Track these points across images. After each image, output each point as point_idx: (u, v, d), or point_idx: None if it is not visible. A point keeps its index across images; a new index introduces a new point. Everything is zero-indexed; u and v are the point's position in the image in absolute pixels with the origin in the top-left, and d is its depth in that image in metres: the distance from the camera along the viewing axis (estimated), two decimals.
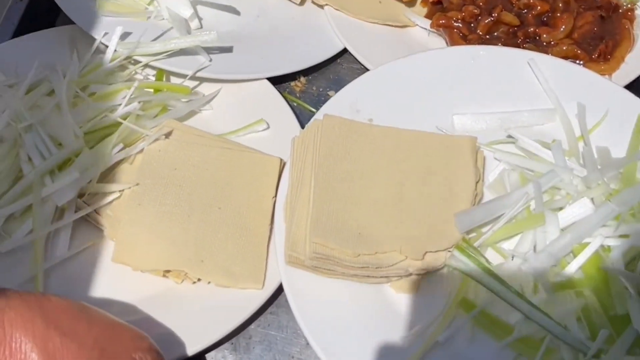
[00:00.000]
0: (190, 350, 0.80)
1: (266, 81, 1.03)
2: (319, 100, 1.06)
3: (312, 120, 0.93)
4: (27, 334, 0.64)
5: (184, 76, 1.00)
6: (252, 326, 0.85)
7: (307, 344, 0.82)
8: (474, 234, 0.85)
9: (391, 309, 0.83)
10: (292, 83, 1.08)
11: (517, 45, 1.04)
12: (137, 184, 0.88)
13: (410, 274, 0.82)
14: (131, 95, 0.94)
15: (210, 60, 1.02)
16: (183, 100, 0.99)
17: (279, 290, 0.85)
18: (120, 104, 0.94)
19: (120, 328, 0.71)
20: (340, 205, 0.84)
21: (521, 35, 1.04)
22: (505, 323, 0.80)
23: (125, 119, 0.93)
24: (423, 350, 0.79)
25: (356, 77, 1.05)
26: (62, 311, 0.67)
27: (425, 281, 0.84)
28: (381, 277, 0.83)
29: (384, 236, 0.83)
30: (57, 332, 0.65)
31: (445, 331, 0.80)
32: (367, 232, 0.83)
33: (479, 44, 1.05)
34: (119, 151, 0.91)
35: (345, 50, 1.10)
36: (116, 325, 0.71)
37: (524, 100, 0.97)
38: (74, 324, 0.67)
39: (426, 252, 0.82)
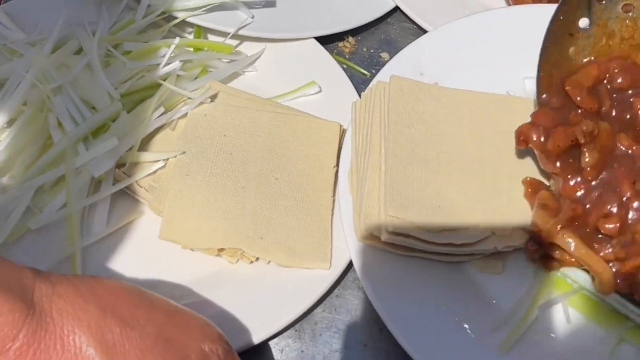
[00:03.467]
0: (255, 339, 0.70)
1: (314, 41, 0.94)
2: (371, 63, 0.97)
3: (373, 82, 0.84)
4: (80, 324, 0.54)
5: (224, 34, 0.91)
6: (318, 310, 0.76)
7: (381, 329, 0.74)
8: None
9: (475, 289, 0.74)
10: (341, 44, 0.99)
11: None
12: (184, 152, 0.78)
13: (496, 251, 0.73)
14: (171, 53, 0.84)
15: (253, 17, 0.93)
16: (225, 60, 0.90)
17: (345, 270, 0.76)
18: (158, 64, 0.84)
19: (185, 315, 0.61)
20: (416, 174, 0.75)
21: None
22: (608, 306, 0.71)
23: (165, 79, 0.83)
24: (514, 334, 0.70)
25: (409, 38, 0.98)
26: (118, 296, 0.58)
27: (511, 258, 0.75)
28: (464, 255, 0.74)
29: (467, 209, 0.74)
30: (115, 320, 0.56)
31: (538, 313, 0.72)
32: (448, 205, 0.74)
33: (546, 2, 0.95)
34: (160, 115, 0.81)
35: (395, 9, 1.01)
36: (180, 312, 0.61)
37: None
38: (133, 310, 0.58)
39: (514, 227, 0.73)
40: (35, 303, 0.53)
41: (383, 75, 0.85)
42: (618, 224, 0.71)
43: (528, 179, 0.77)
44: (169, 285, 0.74)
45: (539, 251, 0.72)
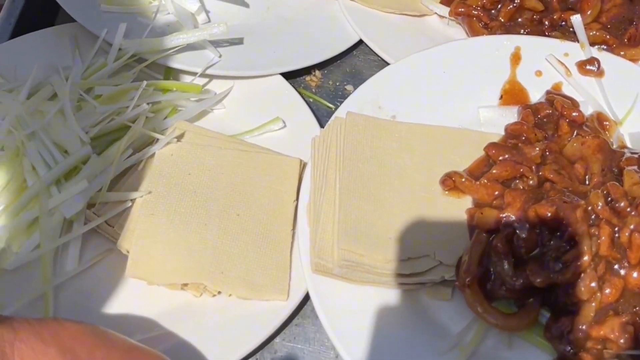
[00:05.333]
0: None
1: (280, 77, 0.98)
2: (336, 95, 1.01)
3: (332, 118, 0.88)
4: None
5: (193, 74, 0.95)
6: (277, 340, 0.80)
7: (337, 357, 0.77)
8: None
9: (425, 315, 0.78)
10: (307, 77, 1.03)
11: (542, 33, 0.98)
12: (150, 192, 0.82)
13: (445, 280, 0.77)
14: (139, 96, 0.88)
15: (220, 56, 0.97)
16: (193, 99, 0.94)
17: (304, 300, 0.80)
18: (127, 106, 0.88)
19: (139, 352, 0.66)
20: (368, 208, 0.79)
21: (547, 21, 0.98)
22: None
23: (133, 121, 0.87)
24: (463, 358, 0.74)
25: (373, 70, 1.01)
26: (77, 338, 0.62)
27: None
28: (414, 283, 0.77)
29: (416, 240, 0.78)
30: None
31: (483, 339, 0.76)
32: (398, 236, 0.78)
33: (501, 32, 0.99)
34: (128, 157, 0.86)
35: (361, 42, 1.05)
36: (135, 349, 0.66)
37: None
38: (92, 350, 0.62)
39: (461, 257, 0.77)
40: None
41: (342, 110, 0.88)
42: None
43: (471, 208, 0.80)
44: (136, 318, 0.78)
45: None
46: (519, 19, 0.99)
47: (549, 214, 0.75)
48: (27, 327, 0.60)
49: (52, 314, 0.77)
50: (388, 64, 0.99)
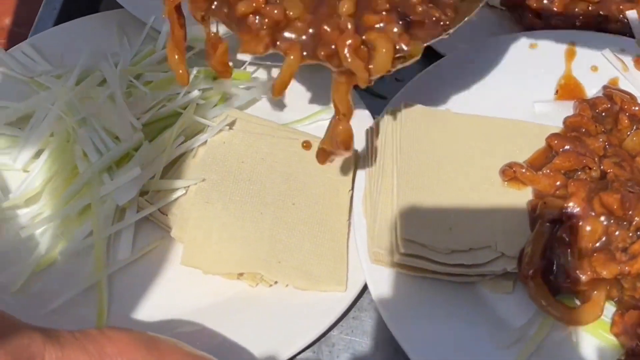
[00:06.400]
0: None
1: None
2: (386, 85, 0.98)
3: (386, 108, 0.86)
4: None
5: (242, 62, 0.93)
6: (334, 332, 0.78)
7: (396, 350, 0.75)
8: None
9: (486, 309, 0.76)
10: None
11: (598, 25, 0.96)
12: (203, 180, 0.81)
13: (506, 272, 0.75)
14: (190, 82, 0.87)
15: None
16: (242, 87, 0.92)
17: (361, 291, 0.78)
18: (178, 93, 0.87)
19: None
20: (427, 198, 0.78)
21: (602, 13, 0.96)
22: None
23: (184, 108, 0.86)
24: (526, 353, 0.72)
25: (422, 59, 0.99)
26: (125, 351, 0.59)
27: None
28: (475, 275, 0.76)
29: (477, 231, 0.76)
30: None
31: (548, 333, 0.74)
32: (459, 227, 0.76)
33: (555, 22, 0.97)
34: (180, 144, 0.84)
35: None
36: (189, 357, 0.63)
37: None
38: None
39: (523, 249, 0.75)
40: None
41: (396, 101, 0.87)
42: None
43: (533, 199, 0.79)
44: (193, 309, 0.76)
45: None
46: (575, 9, 0.97)
47: (615, 204, 0.73)
48: (73, 342, 0.58)
49: (107, 304, 0.75)
50: (435, 52, 0.98)
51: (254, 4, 0.64)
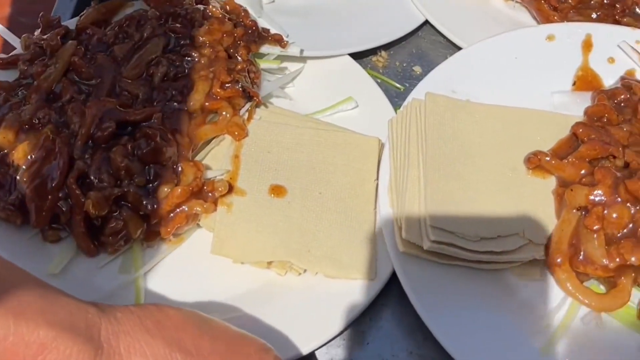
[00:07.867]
0: (304, 349, 0.73)
1: (348, 57, 0.97)
2: (404, 76, 1.00)
3: (408, 99, 0.87)
4: None
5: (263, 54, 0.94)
6: (364, 319, 0.78)
7: (425, 337, 0.76)
8: None
9: (515, 295, 0.77)
10: (374, 58, 1.02)
11: (613, 17, 0.98)
12: (230, 170, 0.81)
13: (534, 259, 0.76)
14: None
15: (287, 36, 0.96)
16: (268, 78, 0.93)
17: (390, 280, 0.79)
18: None
19: (244, 340, 0.64)
20: (455, 186, 0.78)
21: (618, 5, 0.97)
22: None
23: None
24: (553, 339, 0.73)
25: (439, 51, 1.01)
26: (181, 327, 0.61)
27: None
28: (504, 262, 0.77)
29: (505, 219, 0.77)
30: (181, 354, 0.59)
31: (574, 319, 0.75)
32: (487, 215, 0.77)
33: (571, 15, 0.98)
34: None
35: (425, 22, 1.04)
36: (239, 337, 0.64)
37: None
38: (197, 341, 0.60)
39: (550, 236, 0.76)
40: (103, 342, 0.55)
41: (417, 92, 0.88)
42: None
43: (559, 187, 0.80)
44: (223, 298, 0.77)
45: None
46: (591, 1, 0.98)
47: None
48: (131, 318, 0.59)
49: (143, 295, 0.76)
50: (454, 45, 0.99)
51: None
